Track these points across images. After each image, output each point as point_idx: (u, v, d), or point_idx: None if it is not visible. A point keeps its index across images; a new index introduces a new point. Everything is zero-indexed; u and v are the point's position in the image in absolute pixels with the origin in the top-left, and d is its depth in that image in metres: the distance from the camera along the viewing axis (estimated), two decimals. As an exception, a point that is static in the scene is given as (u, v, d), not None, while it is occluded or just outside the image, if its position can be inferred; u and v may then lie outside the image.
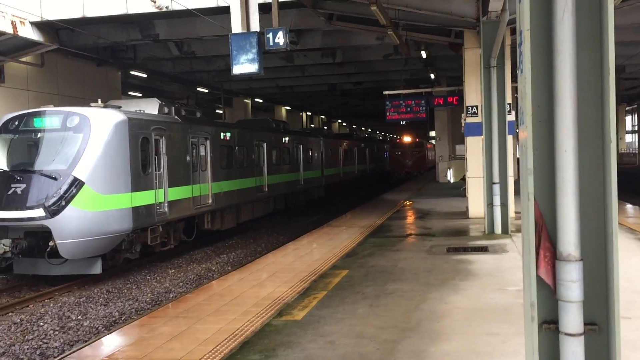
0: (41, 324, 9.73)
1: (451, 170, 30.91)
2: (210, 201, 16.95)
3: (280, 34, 8.15)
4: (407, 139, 47.15)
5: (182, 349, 5.27)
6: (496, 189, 11.32)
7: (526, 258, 3.47)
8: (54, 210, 11.65)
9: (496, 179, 11.36)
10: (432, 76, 25.69)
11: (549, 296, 3.44)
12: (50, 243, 11.62)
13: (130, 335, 5.99)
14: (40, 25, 15.54)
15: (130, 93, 26.81)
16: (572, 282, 3.31)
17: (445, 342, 5.08)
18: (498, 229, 11.34)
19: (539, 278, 3.39)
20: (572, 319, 3.32)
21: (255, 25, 8.39)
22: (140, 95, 26.62)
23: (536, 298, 3.37)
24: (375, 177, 43.93)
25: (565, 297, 3.34)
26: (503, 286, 6.96)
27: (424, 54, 19.88)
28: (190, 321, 6.04)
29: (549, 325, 3.43)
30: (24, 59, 17.30)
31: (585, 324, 3.34)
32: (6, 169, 12.30)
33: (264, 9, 11.20)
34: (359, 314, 6.02)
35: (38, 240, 11.93)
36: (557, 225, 3.38)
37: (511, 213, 11.70)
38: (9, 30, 14.46)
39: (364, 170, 40.93)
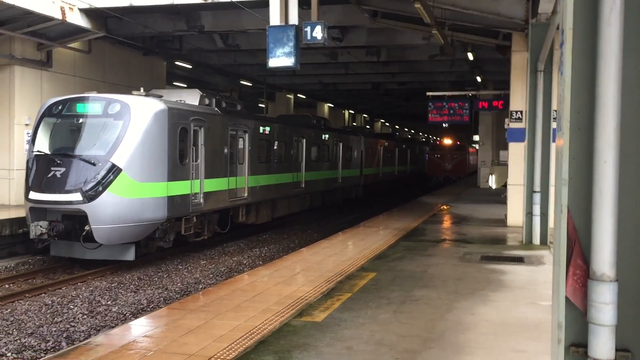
0: (71, 306, 9.85)
1: (493, 176, 30.24)
2: (246, 194, 16.95)
3: (318, 28, 8.00)
4: (447, 141, 44.54)
5: (197, 343, 5.18)
6: (536, 197, 10.93)
7: (556, 274, 3.23)
8: (91, 195, 11.81)
9: (537, 187, 10.96)
10: (479, 79, 25.14)
11: (578, 317, 3.19)
12: (86, 227, 11.79)
13: (147, 327, 5.95)
14: (89, 12, 15.78)
15: (175, 83, 27.11)
16: (604, 304, 3.06)
17: (468, 356, 4.85)
18: (536, 240, 10.95)
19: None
20: (602, 343, 3.08)
21: (294, 19, 8.26)
22: (184, 86, 26.89)
23: (564, 319, 3.13)
24: (415, 178, 43.37)
25: (597, 319, 3.09)
26: (536, 300, 6.65)
27: (470, 56, 19.44)
28: (210, 315, 5.95)
29: (577, 348, 3.18)
30: (71, 45, 17.63)
31: (616, 350, 3.09)
32: (48, 152, 12.52)
33: (306, 3, 11.07)
34: (381, 320, 5.82)
35: (74, 223, 12.11)
36: (592, 242, 3.13)
37: (551, 223, 11.27)
38: (58, 16, 14.73)
39: (404, 171, 40.48)
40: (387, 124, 66.02)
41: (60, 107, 12.99)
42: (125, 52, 20.36)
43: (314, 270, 8.44)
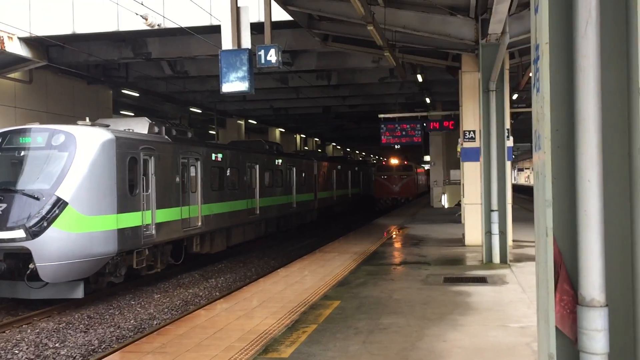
0: (16, 351, 9.24)
1: (445, 195, 30.56)
2: (199, 223, 16.52)
3: (272, 51, 7.81)
4: (394, 161, 40.98)
5: (156, 391, 4.80)
6: (494, 216, 10.94)
7: (543, 303, 3.05)
8: (35, 232, 11.21)
9: (495, 206, 10.98)
10: (428, 100, 25.48)
11: (568, 346, 3.02)
12: (31, 265, 11.21)
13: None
14: (29, 41, 15.20)
15: (122, 112, 26.45)
16: (596, 332, 2.89)
17: (446, 386, 4.64)
18: (496, 259, 10.93)
19: (558, 325, 2.98)
20: (596, 373, 2.91)
21: (246, 43, 8.06)
22: (132, 114, 26.26)
23: (555, 349, 2.94)
24: (369, 200, 43.39)
25: (588, 348, 2.91)
26: (505, 322, 6.53)
27: (419, 78, 19.65)
28: (167, 357, 5.56)
29: (569, 379, 3.00)
30: (11, 75, 16.92)
31: (610, 379, 2.92)
32: (-13, 187, 11.85)
33: (257, 28, 10.90)
34: (351, 352, 5.56)
35: (18, 262, 11.48)
36: (579, 265, 2.97)
37: (509, 241, 11.30)
38: (-4, 45, 14.11)
39: (358, 193, 40.56)
40: (339, 147, 66.36)
41: (0, 140, 12.37)
42: (69, 81, 19.72)
43: (276, 301, 8.12)
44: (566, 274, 3.02)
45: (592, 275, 2.93)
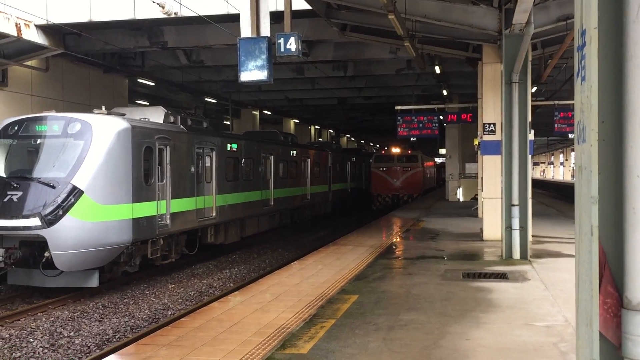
0: (31, 340, 9.21)
1: (461, 188, 30.28)
2: (214, 214, 16.43)
3: (292, 39, 7.63)
4: (395, 150, 33.20)
5: (172, 385, 4.69)
6: (515, 211, 10.70)
7: (586, 306, 2.87)
8: (50, 220, 11.17)
9: (515, 200, 10.75)
10: (445, 92, 25.18)
11: (611, 351, 2.84)
12: (46, 254, 11.19)
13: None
14: (46, 29, 15.13)
15: (137, 101, 26.42)
16: (642, 337, 2.71)
17: (472, 388, 4.48)
18: (516, 254, 10.70)
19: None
20: (641, 380, 2.73)
21: (265, 31, 7.89)
22: (147, 103, 26.21)
23: (599, 355, 2.77)
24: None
25: (635, 354, 2.73)
26: (530, 321, 6.33)
27: (437, 69, 19.37)
28: (184, 351, 5.44)
29: (612, 387, 2.83)
30: (28, 63, 16.88)
31: (656, 388, 2.74)
32: (3, 175, 11.83)
33: (275, 18, 10.71)
34: (371, 350, 5.41)
35: (33, 250, 11.45)
36: (625, 266, 2.78)
37: (529, 237, 11.07)
38: (13, 32, 14.05)
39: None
40: (353, 139, 66.07)
41: (16, 128, 12.34)
42: (84, 69, 19.67)
43: (293, 295, 7.99)
44: (610, 275, 2.84)
45: (638, 277, 2.75)
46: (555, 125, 19.76)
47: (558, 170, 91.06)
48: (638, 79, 2.72)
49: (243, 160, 18.82)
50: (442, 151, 35.90)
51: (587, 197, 2.82)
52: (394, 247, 12.63)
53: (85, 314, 10.88)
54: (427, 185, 38.08)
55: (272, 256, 17.62)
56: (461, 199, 29.65)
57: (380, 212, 29.20)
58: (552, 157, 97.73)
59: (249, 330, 6.11)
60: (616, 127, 2.84)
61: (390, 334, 5.89)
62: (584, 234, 2.88)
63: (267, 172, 20.67)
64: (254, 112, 34.91)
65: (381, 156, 33.82)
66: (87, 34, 16.24)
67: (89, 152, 11.76)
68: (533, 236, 12.04)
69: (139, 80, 22.78)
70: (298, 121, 42.95)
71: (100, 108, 13.13)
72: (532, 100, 12.87)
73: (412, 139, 22.19)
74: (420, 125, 20.81)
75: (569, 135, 20.36)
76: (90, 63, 19.29)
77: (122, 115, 13.22)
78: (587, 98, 2.81)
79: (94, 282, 12.11)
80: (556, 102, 19.95)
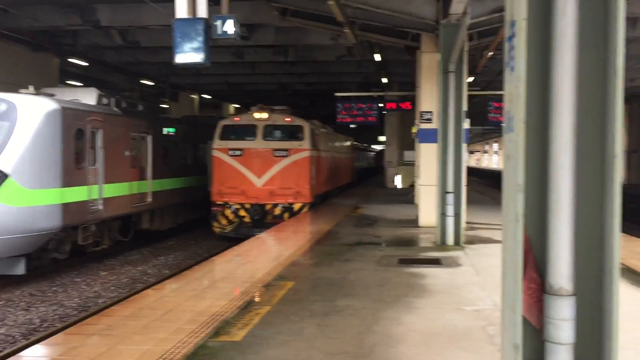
0: (-50, 330, 8.74)
1: (399, 176, 30.73)
2: (149, 199, 16.08)
3: (230, 22, 7.47)
4: (260, 115, 17.77)
5: (99, 376, 4.54)
6: (450, 198, 10.92)
7: (509, 291, 2.94)
8: (-28, 205, 10.62)
9: (450, 188, 10.96)
10: (385, 80, 25.38)
11: (534, 335, 2.92)
12: (-32, 240, 10.61)
13: (39, 358, 5.20)
14: (-32, 3, 14.28)
15: (69, 82, 25.39)
16: (562, 321, 2.81)
17: (402, 372, 4.54)
18: (450, 240, 10.94)
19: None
20: (561, 364, 2.82)
21: (202, 12, 7.69)
22: (81, 84, 25.23)
23: (521, 339, 2.84)
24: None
25: (554, 337, 2.83)
26: (460, 305, 6.49)
27: (377, 57, 19.48)
28: (113, 340, 5.29)
29: (533, 369, 2.91)
30: (-51, 39, 15.93)
31: (575, 370, 2.85)
32: None
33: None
34: (306, 336, 5.41)
35: (-46, 236, 10.87)
36: (547, 253, 2.86)
37: (463, 224, 11.33)
38: None
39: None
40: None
41: None
42: (12, 47, 18.71)
43: (228, 281, 7.90)
44: (534, 261, 2.92)
45: (560, 263, 2.83)
46: (489, 115, 20.28)
47: (492, 159, 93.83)
48: (562, 71, 2.78)
49: (181, 144, 18.45)
50: (382, 138, 36.29)
51: (513, 185, 2.88)
52: (331, 234, 12.69)
53: (10, 303, 10.44)
54: (334, 182, 23.81)
55: (210, 242, 17.41)
56: (399, 186, 30.08)
57: (323, 197, 29.00)
58: (487, 146, 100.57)
59: (182, 318, 5.99)
60: (543, 117, 2.91)
61: (325, 320, 5.90)
62: (509, 221, 2.94)
63: (206, 157, 20.34)
64: (193, 96, 34.24)
65: (233, 128, 17.83)
66: (14, 10, 15.44)
67: (14, 134, 11.25)
68: (467, 223, 12.33)
69: (71, 60, 21.85)
70: (238, 106, 42.42)
71: (28, 88, 12.54)
72: (468, 90, 13.11)
73: (351, 125, 22.32)
74: (360, 112, 20.94)
75: (502, 124, 20.94)
76: (18, 41, 18.37)
77: (52, 96, 12.68)
78: (515, 88, 2.86)
79: (20, 269, 11.67)
80: (490, 92, 20.47)
